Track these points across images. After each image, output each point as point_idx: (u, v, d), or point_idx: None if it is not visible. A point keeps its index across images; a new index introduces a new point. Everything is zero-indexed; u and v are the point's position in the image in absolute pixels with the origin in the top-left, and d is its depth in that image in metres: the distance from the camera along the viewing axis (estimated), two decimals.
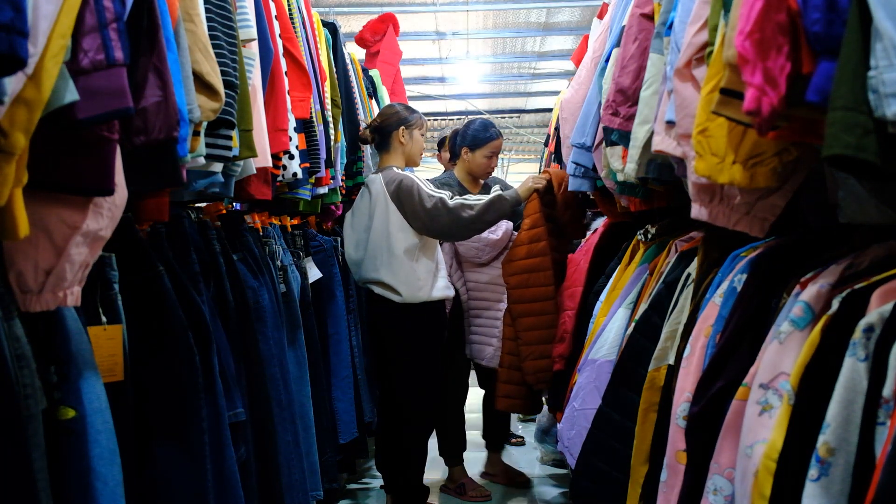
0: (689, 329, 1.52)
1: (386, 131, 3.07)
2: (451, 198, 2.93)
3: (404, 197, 2.90)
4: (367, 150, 3.48)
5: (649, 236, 2.19)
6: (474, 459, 3.74)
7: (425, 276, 2.98)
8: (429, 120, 9.01)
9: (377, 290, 2.98)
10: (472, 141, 3.47)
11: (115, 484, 1.22)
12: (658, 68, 1.62)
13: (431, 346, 3.09)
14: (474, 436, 3.72)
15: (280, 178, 2.18)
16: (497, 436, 3.70)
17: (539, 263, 2.93)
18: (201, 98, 1.43)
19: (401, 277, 2.93)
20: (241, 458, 1.72)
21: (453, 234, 2.98)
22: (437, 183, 3.49)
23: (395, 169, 3.01)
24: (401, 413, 3.05)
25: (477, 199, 2.94)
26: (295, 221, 2.86)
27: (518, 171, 12.53)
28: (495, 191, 2.99)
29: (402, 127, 3.05)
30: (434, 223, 2.88)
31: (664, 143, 1.47)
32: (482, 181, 3.58)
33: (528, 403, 3.06)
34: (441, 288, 3.05)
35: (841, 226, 1.18)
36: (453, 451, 3.54)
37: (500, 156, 4.37)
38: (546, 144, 4.48)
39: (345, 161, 3.12)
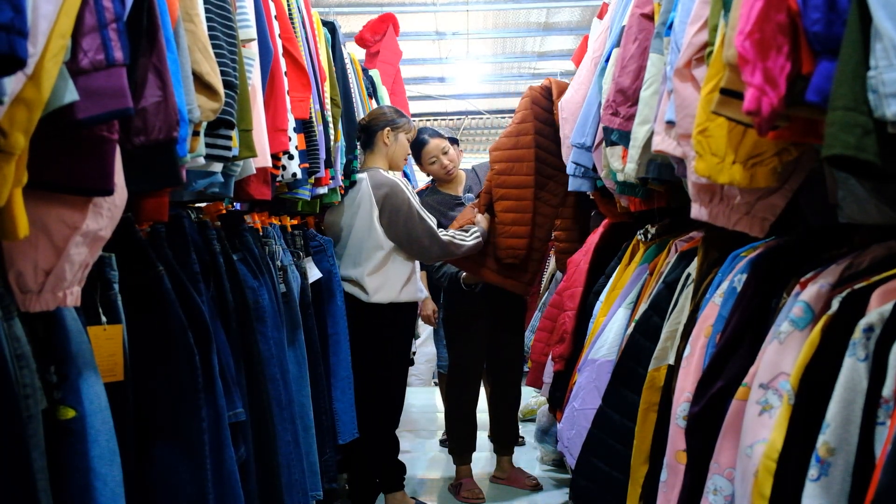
0: (689, 329, 1.52)
1: (372, 130, 3.12)
2: (437, 224, 3.06)
3: (393, 208, 2.97)
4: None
5: (649, 236, 2.19)
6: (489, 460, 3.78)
7: (397, 279, 3.02)
8: (429, 120, 9.05)
9: (348, 287, 2.99)
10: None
11: (115, 484, 1.21)
12: (658, 68, 1.62)
13: (395, 348, 3.09)
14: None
15: (279, 178, 2.18)
16: (504, 438, 3.65)
17: (524, 155, 3.12)
18: (201, 98, 1.42)
19: (372, 277, 2.97)
20: (241, 458, 1.72)
21: (430, 260, 3.12)
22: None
23: (381, 171, 3.05)
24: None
25: (462, 239, 3.08)
26: (295, 221, 2.86)
27: None
28: (479, 231, 3.14)
29: (388, 128, 3.10)
30: (418, 246, 3.00)
31: (664, 143, 1.47)
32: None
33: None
34: (410, 291, 3.06)
35: (841, 226, 1.17)
36: (459, 449, 3.54)
37: None
38: None
39: (344, 160, 3.13)
